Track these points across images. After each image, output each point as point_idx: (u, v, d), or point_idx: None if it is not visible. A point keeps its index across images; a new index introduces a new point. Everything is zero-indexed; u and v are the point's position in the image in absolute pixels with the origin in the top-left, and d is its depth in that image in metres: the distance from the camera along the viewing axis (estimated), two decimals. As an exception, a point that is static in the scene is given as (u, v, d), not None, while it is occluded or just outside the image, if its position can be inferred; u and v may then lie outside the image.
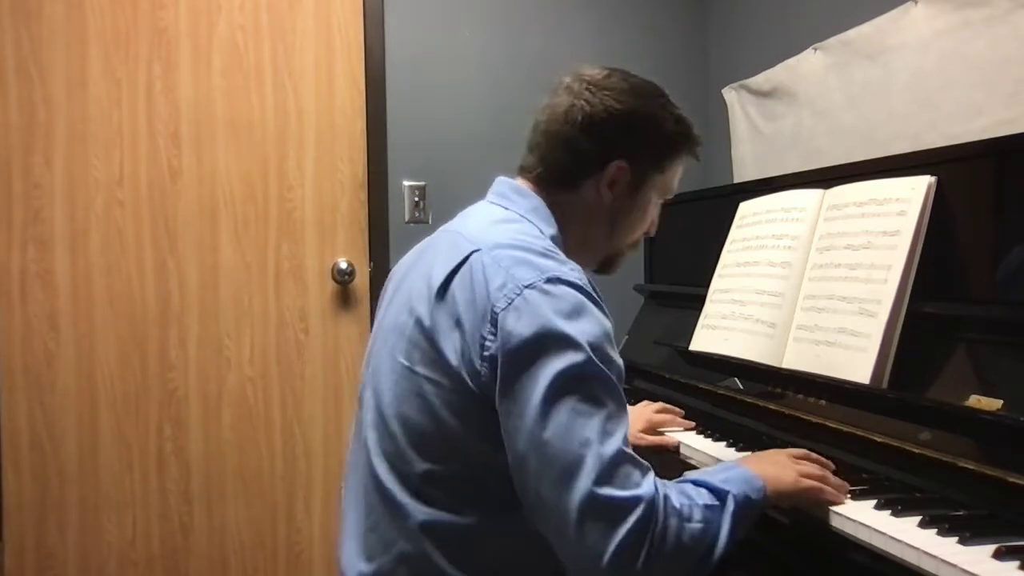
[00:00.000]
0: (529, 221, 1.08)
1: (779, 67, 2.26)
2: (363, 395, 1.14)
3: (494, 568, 1.01)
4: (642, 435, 1.47)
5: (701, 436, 1.44)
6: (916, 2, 1.77)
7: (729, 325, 1.56)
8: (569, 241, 1.11)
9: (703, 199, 2.06)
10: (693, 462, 1.37)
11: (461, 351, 0.96)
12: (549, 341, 0.92)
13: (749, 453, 1.25)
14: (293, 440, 2.36)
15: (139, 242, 2.23)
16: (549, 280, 0.95)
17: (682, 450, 1.41)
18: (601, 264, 1.21)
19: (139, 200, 2.23)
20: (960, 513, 0.97)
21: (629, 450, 0.93)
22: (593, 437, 0.90)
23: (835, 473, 1.09)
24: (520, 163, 1.16)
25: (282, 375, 2.35)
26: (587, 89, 1.11)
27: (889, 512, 0.98)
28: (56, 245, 2.18)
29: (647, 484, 0.91)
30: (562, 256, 1.03)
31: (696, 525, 0.93)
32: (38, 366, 2.17)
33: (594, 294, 1.00)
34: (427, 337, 1.00)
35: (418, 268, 1.09)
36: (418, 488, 1.01)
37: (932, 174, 1.22)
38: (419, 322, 1.02)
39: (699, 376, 1.64)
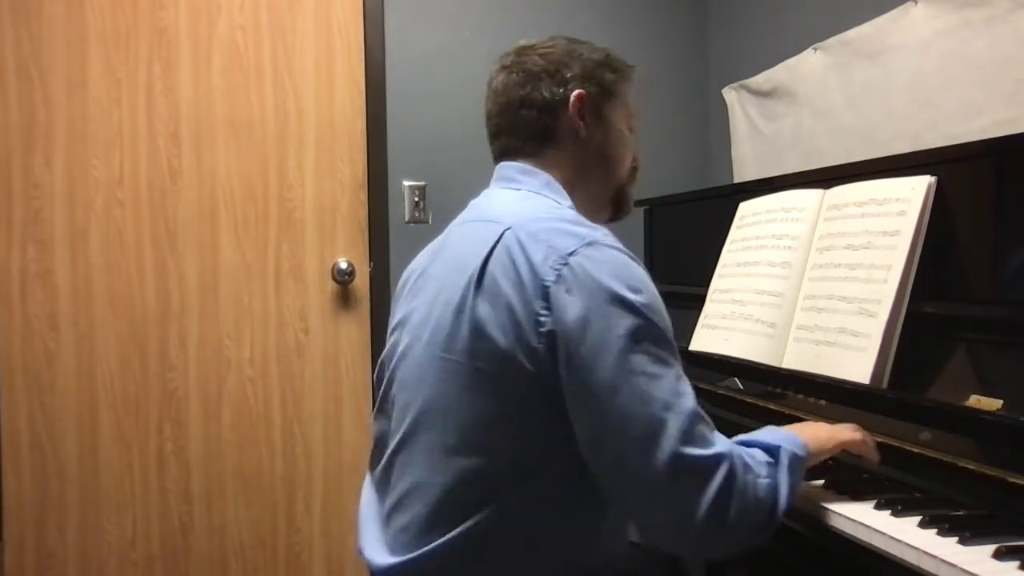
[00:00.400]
0: (545, 196, 1.09)
1: (779, 67, 2.26)
2: (393, 390, 1.11)
3: (523, 570, 1.00)
4: None
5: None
6: (916, 2, 1.77)
7: (729, 325, 1.56)
8: (577, 198, 1.12)
9: (703, 199, 2.06)
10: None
11: (514, 332, 0.95)
12: (607, 309, 0.92)
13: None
14: (293, 440, 2.36)
15: (139, 242, 2.23)
16: (589, 244, 0.96)
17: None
18: (614, 207, 1.21)
19: (139, 200, 2.23)
20: (960, 513, 0.97)
21: (700, 409, 0.94)
22: (669, 399, 0.91)
23: (833, 472, 1.09)
24: (496, 155, 1.18)
25: (282, 375, 2.35)
26: (515, 55, 1.16)
27: (889, 512, 0.98)
28: (56, 245, 2.18)
29: (722, 441, 0.93)
30: (590, 222, 1.03)
31: (765, 479, 0.95)
32: (38, 366, 2.17)
33: (629, 253, 1.00)
34: (471, 325, 0.98)
35: (442, 262, 1.09)
36: (458, 483, 0.99)
37: (932, 174, 1.22)
38: (459, 312, 1.00)
39: (699, 376, 1.63)
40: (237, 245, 2.30)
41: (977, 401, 1.04)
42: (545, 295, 0.93)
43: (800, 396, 1.35)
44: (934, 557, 0.85)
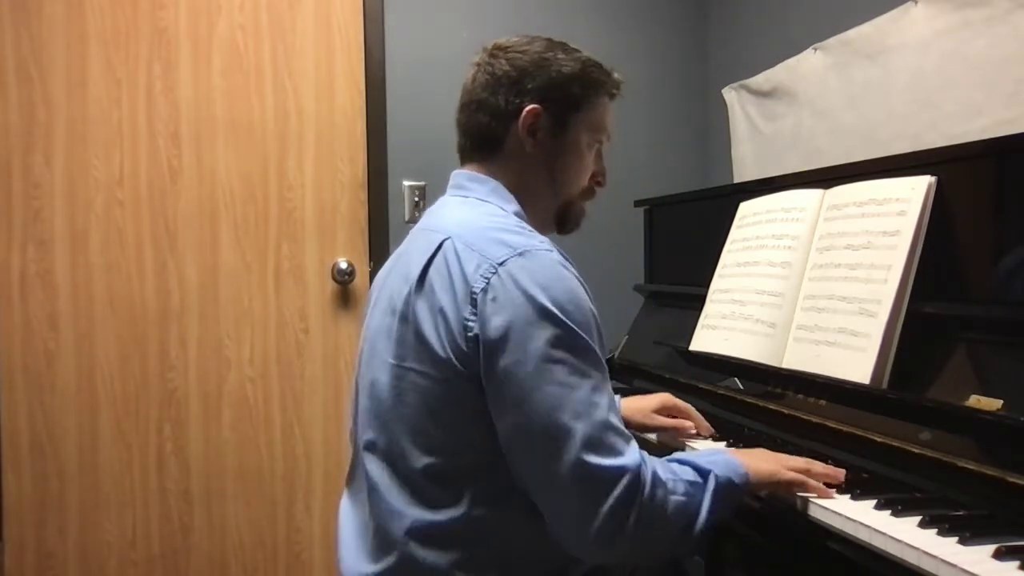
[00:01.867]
0: (490, 203, 1.10)
1: (779, 67, 2.26)
2: (358, 401, 1.14)
3: (495, 566, 1.02)
4: (655, 415, 1.45)
5: (701, 436, 1.44)
6: (916, 2, 1.77)
7: (729, 325, 1.56)
8: (525, 207, 1.13)
9: (703, 199, 2.06)
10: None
11: (446, 337, 0.98)
12: (528, 319, 0.94)
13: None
14: (293, 440, 2.36)
15: (139, 242, 2.23)
16: (521, 254, 0.98)
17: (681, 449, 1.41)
18: (558, 220, 1.20)
19: (139, 200, 2.23)
20: (960, 513, 0.97)
21: (614, 419, 0.95)
22: (580, 408, 0.93)
23: (846, 478, 1.09)
24: (457, 150, 1.19)
25: (282, 375, 2.35)
26: (489, 55, 1.15)
27: (889, 512, 0.98)
28: (56, 245, 2.18)
29: (631, 453, 0.95)
30: (531, 231, 1.05)
31: (679, 498, 0.96)
32: (38, 366, 2.17)
33: (566, 263, 1.02)
34: (412, 330, 1.02)
35: (396, 270, 1.12)
36: (419, 486, 1.02)
37: (932, 174, 1.22)
38: (403, 318, 1.03)
39: (699, 376, 1.64)
40: (237, 245, 2.30)
41: (977, 401, 1.04)
42: (473, 301, 0.96)
43: (800, 396, 1.35)
44: (934, 557, 0.85)
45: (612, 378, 2.02)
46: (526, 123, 1.11)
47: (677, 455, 1.05)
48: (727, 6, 2.64)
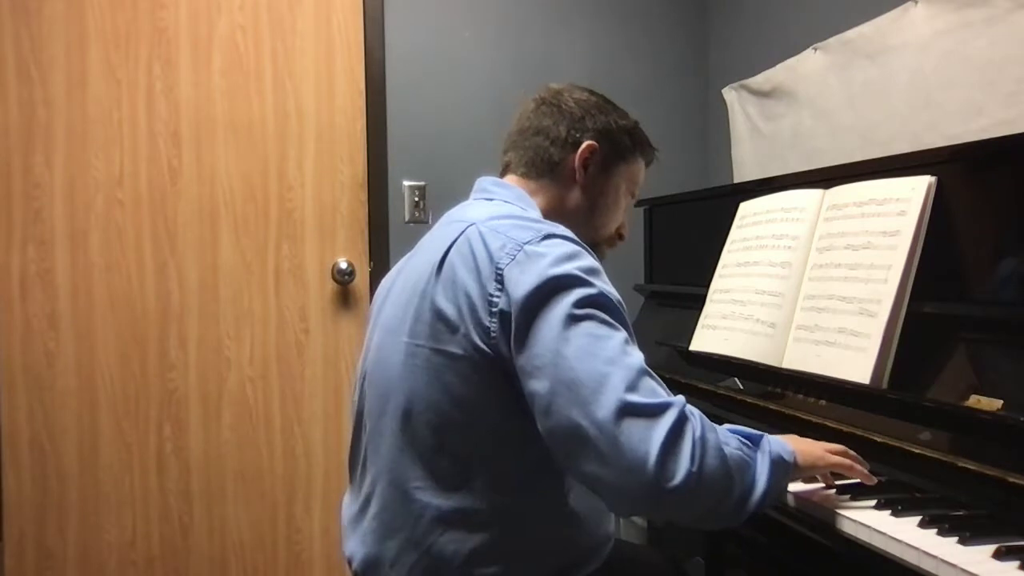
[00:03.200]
0: (514, 205, 1.15)
1: (779, 67, 2.26)
2: (364, 387, 1.15)
3: (506, 554, 1.02)
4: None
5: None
6: (916, 2, 1.77)
7: (729, 325, 1.56)
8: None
9: (703, 199, 2.06)
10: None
11: (469, 315, 0.99)
12: (556, 282, 0.95)
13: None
14: (293, 440, 2.36)
15: (139, 242, 2.23)
16: (546, 237, 1.00)
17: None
18: None
19: (139, 200, 2.23)
20: (960, 513, 0.97)
21: (648, 369, 0.95)
22: (614, 355, 0.92)
23: (847, 478, 1.09)
24: (501, 167, 1.25)
25: (282, 375, 2.35)
26: (554, 95, 1.23)
27: (889, 512, 0.98)
28: (56, 245, 2.18)
29: (672, 395, 0.93)
30: (553, 222, 1.08)
31: (736, 452, 0.94)
32: (38, 366, 2.17)
33: (587, 248, 1.03)
34: (432, 310, 1.02)
35: (412, 265, 1.13)
36: (432, 469, 1.02)
37: (932, 174, 1.22)
38: (423, 298, 1.04)
39: (699, 376, 1.64)
40: (237, 245, 2.30)
41: (977, 401, 1.04)
42: (499, 277, 0.97)
43: (800, 396, 1.35)
44: (934, 557, 0.85)
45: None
46: (583, 155, 1.18)
47: (729, 426, 1.02)
48: (727, 6, 2.64)
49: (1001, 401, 1.01)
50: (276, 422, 2.34)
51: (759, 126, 2.39)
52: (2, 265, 2.14)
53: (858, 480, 1.06)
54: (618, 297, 1.00)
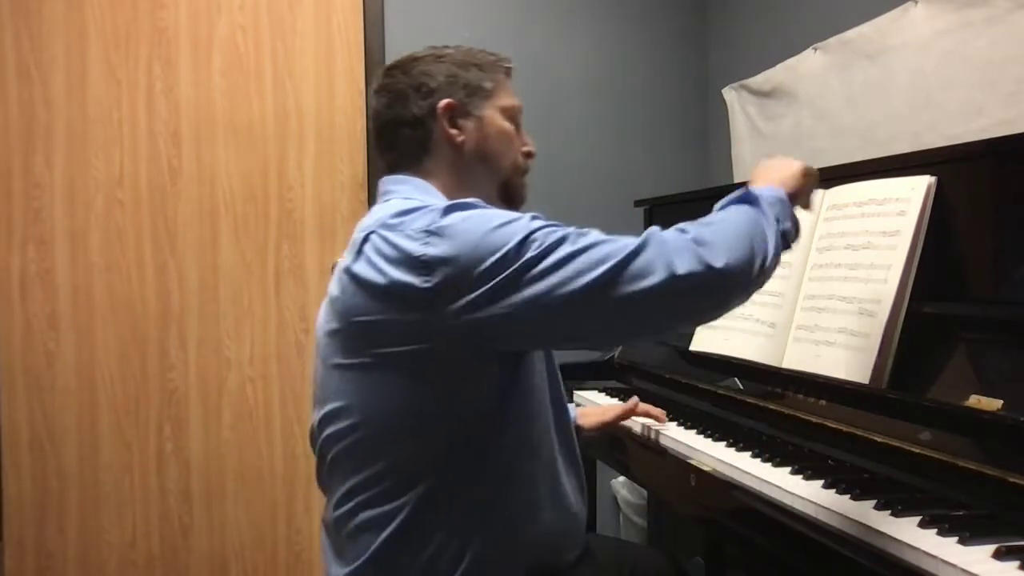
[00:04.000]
0: (412, 198, 1.11)
1: (779, 67, 2.26)
2: (317, 418, 1.14)
3: (465, 555, 1.02)
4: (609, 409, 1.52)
5: (701, 436, 1.44)
6: (916, 2, 1.77)
7: (729, 325, 1.56)
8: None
9: (703, 199, 2.05)
10: (693, 462, 1.37)
11: (395, 319, 0.98)
12: (489, 249, 0.94)
13: (747, 454, 1.25)
14: (293, 440, 2.36)
15: (139, 242, 2.23)
16: (444, 212, 0.98)
17: (681, 450, 1.41)
18: (505, 201, 1.20)
19: (139, 200, 2.23)
20: (960, 513, 0.97)
21: (601, 236, 0.98)
22: (593, 259, 0.94)
23: (833, 472, 1.09)
24: (384, 171, 1.21)
25: (282, 375, 2.35)
26: (384, 77, 1.18)
27: (889, 512, 0.98)
28: (56, 245, 2.18)
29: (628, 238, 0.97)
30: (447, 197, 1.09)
31: (725, 214, 1.03)
32: (38, 366, 2.17)
33: (489, 205, 1.03)
34: (356, 325, 1.02)
35: (331, 288, 1.13)
36: (379, 483, 1.02)
37: (932, 174, 1.21)
38: (345, 316, 1.04)
39: (699, 376, 1.64)
40: (237, 245, 2.30)
41: (977, 401, 1.04)
42: (415, 264, 0.95)
43: (800, 396, 1.35)
44: (934, 557, 0.85)
45: (612, 378, 2.02)
46: (444, 118, 1.13)
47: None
48: (727, 6, 2.64)
49: (1001, 401, 1.01)
50: (276, 422, 2.34)
51: (759, 126, 2.39)
52: (2, 265, 2.14)
53: (856, 480, 1.06)
54: (532, 218, 1.00)
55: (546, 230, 0.96)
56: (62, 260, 2.18)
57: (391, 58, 2.58)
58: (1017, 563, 0.82)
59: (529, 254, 0.93)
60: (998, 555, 0.83)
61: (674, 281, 0.92)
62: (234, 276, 2.30)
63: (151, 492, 2.25)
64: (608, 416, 1.51)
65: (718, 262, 0.94)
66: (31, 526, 2.17)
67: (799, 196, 1.12)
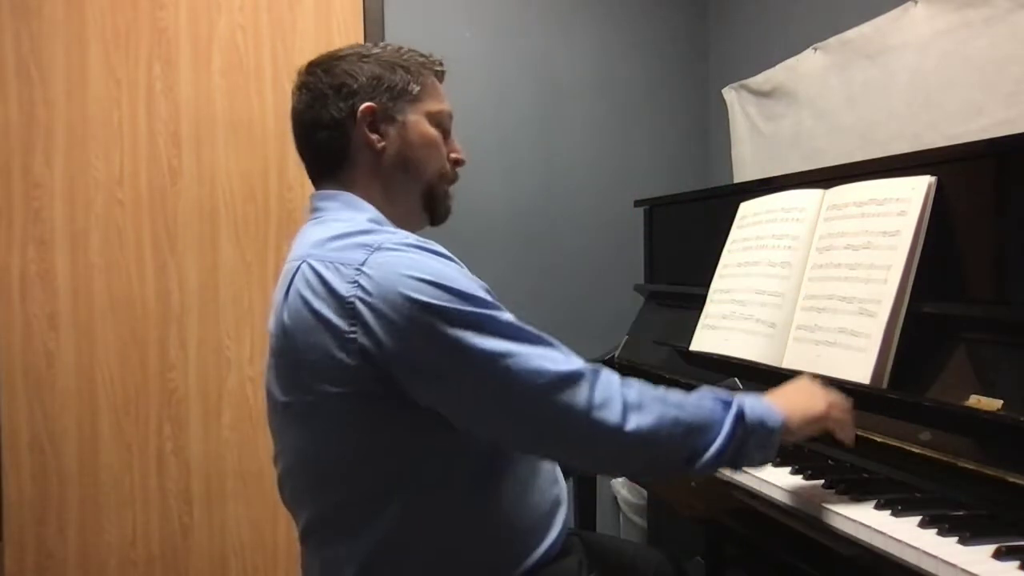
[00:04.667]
0: (341, 217, 1.07)
1: (779, 67, 2.26)
2: (274, 451, 1.15)
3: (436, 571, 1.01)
4: None
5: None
6: (916, 2, 1.77)
7: (729, 325, 1.56)
8: (387, 210, 1.10)
9: (703, 199, 2.06)
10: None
11: (326, 360, 0.94)
12: (412, 308, 0.91)
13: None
14: (293, 440, 2.36)
15: (139, 242, 2.23)
16: (378, 250, 0.95)
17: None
18: (427, 211, 1.17)
19: (139, 200, 2.23)
20: (960, 513, 0.97)
21: (541, 349, 0.94)
22: (508, 350, 0.92)
23: (834, 472, 1.09)
24: (311, 178, 1.17)
25: (282, 375, 2.34)
26: (305, 75, 1.12)
27: (889, 512, 0.98)
28: (56, 245, 2.18)
29: (576, 358, 0.96)
30: (386, 225, 1.05)
31: (682, 412, 0.96)
32: (38, 366, 2.17)
33: (425, 244, 0.99)
34: (293, 363, 0.99)
35: (272, 314, 1.11)
36: (343, 519, 1.01)
37: (932, 174, 1.22)
38: (281, 354, 1.02)
39: (699, 376, 1.64)
40: (237, 245, 2.30)
41: (977, 401, 1.04)
42: (350, 312, 0.93)
43: (800, 396, 1.35)
44: (934, 557, 0.85)
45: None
46: (364, 122, 1.08)
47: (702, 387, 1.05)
48: (727, 6, 2.64)
49: (1001, 401, 1.01)
50: (276, 422, 2.34)
51: (759, 126, 2.39)
52: (2, 265, 2.14)
53: (856, 480, 1.06)
54: (469, 284, 0.96)
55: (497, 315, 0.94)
56: (62, 260, 2.18)
57: (391, 58, 2.58)
58: (1017, 563, 0.82)
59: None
60: (998, 555, 0.83)
61: (585, 415, 0.92)
62: (234, 276, 2.30)
63: (151, 492, 2.25)
64: None
65: (629, 424, 0.93)
66: (31, 526, 2.17)
67: (812, 424, 1.05)
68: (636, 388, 0.96)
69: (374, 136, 1.09)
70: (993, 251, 1.16)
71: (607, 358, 2.03)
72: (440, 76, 1.16)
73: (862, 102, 1.95)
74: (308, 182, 2.51)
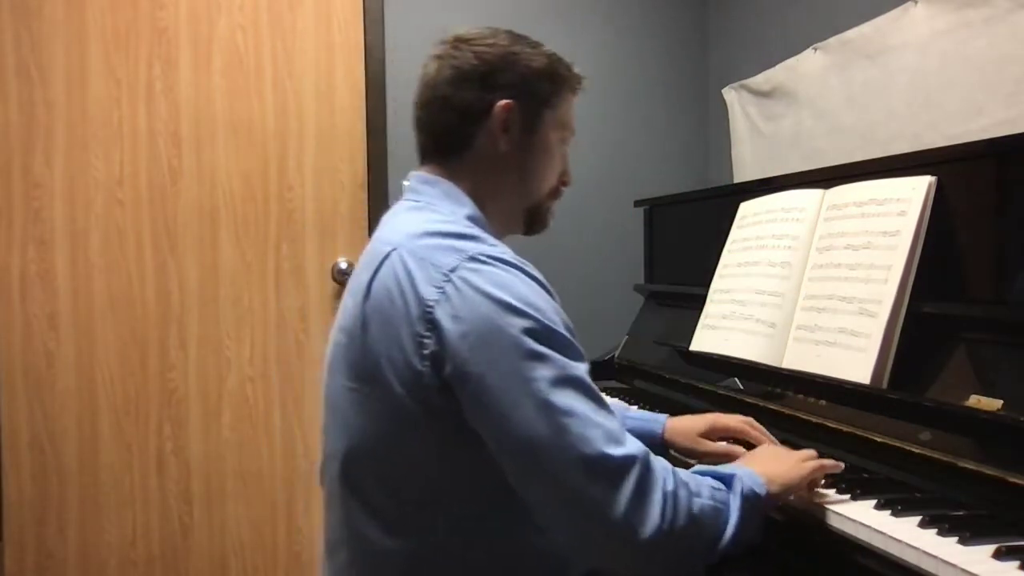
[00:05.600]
0: (440, 208, 1.04)
1: (779, 67, 2.26)
2: (322, 427, 1.10)
3: None
4: (703, 440, 1.30)
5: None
6: (916, 2, 1.77)
7: (729, 325, 1.56)
8: (488, 208, 1.07)
9: (703, 199, 2.06)
10: (693, 462, 1.36)
11: (397, 357, 0.92)
12: (494, 323, 0.88)
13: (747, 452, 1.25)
14: (293, 440, 2.36)
15: (139, 242, 2.23)
16: (471, 259, 0.92)
17: (681, 450, 1.41)
18: (527, 222, 1.15)
19: (139, 200, 2.23)
20: (960, 513, 0.97)
21: (603, 417, 0.89)
22: (566, 408, 0.87)
23: (846, 478, 1.09)
24: (417, 149, 1.13)
25: (282, 375, 2.35)
26: (451, 46, 1.10)
27: (889, 512, 0.98)
28: (56, 245, 2.18)
29: (633, 442, 0.89)
30: (480, 233, 0.99)
31: (705, 501, 0.91)
32: (38, 366, 2.17)
33: (524, 266, 0.96)
34: (363, 353, 0.96)
35: (349, 294, 1.05)
36: (389, 518, 0.98)
37: (932, 174, 1.21)
38: (353, 338, 0.98)
39: (699, 376, 1.64)
40: (237, 245, 2.30)
41: (977, 401, 1.04)
42: (428, 317, 0.90)
43: (800, 396, 1.35)
44: (934, 557, 0.85)
45: (612, 378, 2.02)
46: (500, 120, 1.05)
47: (696, 467, 1.01)
48: (727, 6, 2.64)
49: (1001, 401, 1.01)
50: (276, 422, 2.34)
51: (759, 126, 2.39)
52: (2, 265, 2.14)
53: (856, 480, 1.06)
54: (557, 320, 0.92)
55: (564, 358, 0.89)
56: (62, 260, 2.18)
57: (391, 58, 2.59)
58: (1017, 563, 0.82)
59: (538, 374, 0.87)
60: (998, 555, 0.83)
61: (618, 513, 0.85)
62: (234, 276, 2.30)
63: (151, 492, 2.25)
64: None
65: (658, 535, 0.86)
66: (31, 526, 2.17)
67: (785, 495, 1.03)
68: (679, 487, 0.90)
69: (503, 136, 1.05)
70: (993, 251, 1.16)
71: (607, 358, 2.03)
72: (576, 93, 1.13)
73: (862, 102, 1.95)
74: (308, 182, 2.52)
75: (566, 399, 0.87)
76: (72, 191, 2.19)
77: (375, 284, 0.96)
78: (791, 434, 1.32)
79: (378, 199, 2.41)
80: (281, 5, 2.32)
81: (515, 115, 1.06)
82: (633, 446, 0.89)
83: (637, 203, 2.24)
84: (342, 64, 2.37)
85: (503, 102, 1.05)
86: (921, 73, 1.76)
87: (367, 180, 2.40)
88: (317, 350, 2.37)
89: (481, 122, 1.05)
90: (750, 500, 0.95)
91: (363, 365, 0.96)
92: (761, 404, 1.42)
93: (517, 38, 1.12)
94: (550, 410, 0.87)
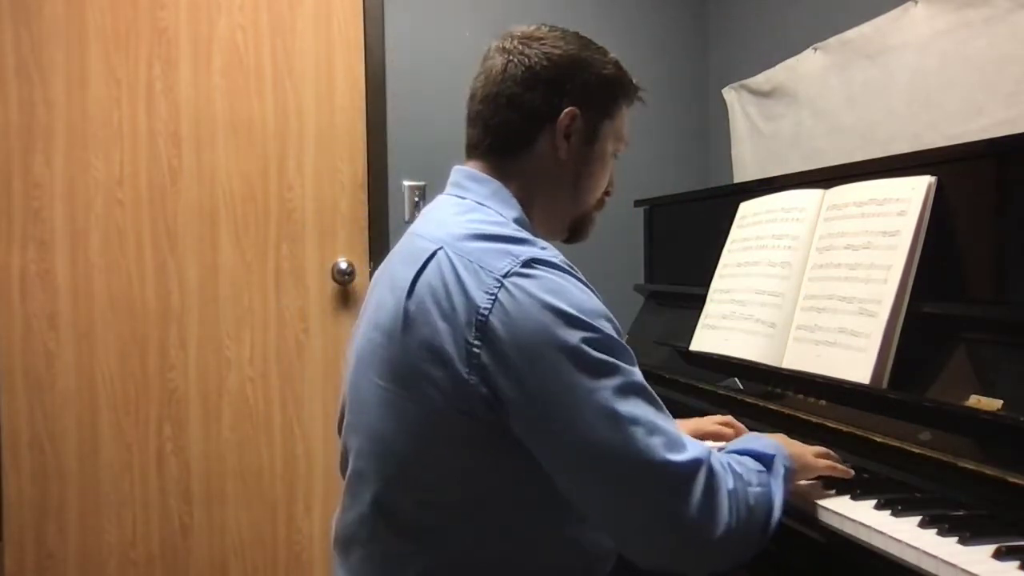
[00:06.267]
0: (488, 207, 1.01)
1: (779, 67, 2.26)
2: (345, 421, 1.06)
3: None
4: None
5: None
6: (916, 2, 1.77)
7: (729, 325, 1.56)
8: (534, 212, 1.05)
9: (703, 199, 2.06)
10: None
11: (440, 363, 0.88)
12: (549, 331, 0.86)
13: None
14: (293, 440, 2.36)
15: (139, 242, 2.23)
16: (525, 264, 0.89)
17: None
18: (571, 230, 1.13)
19: (139, 200, 2.23)
20: (960, 513, 0.97)
21: (662, 420, 0.89)
22: (629, 415, 0.86)
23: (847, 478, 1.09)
24: (466, 142, 1.09)
25: (282, 375, 2.35)
26: (521, 43, 1.07)
27: (889, 512, 0.98)
28: (56, 245, 2.18)
29: (695, 445, 0.89)
30: (530, 236, 0.97)
31: (756, 488, 0.93)
32: (38, 366, 2.17)
33: (573, 270, 0.94)
34: (403, 352, 0.92)
35: (383, 278, 1.03)
36: (410, 521, 0.95)
37: (932, 174, 1.22)
38: (391, 338, 0.93)
39: (699, 376, 1.64)
40: (237, 245, 2.30)
41: (977, 401, 1.04)
42: (479, 324, 0.87)
43: (800, 396, 1.35)
44: (934, 557, 0.85)
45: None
46: (563, 126, 1.03)
47: (731, 444, 1.02)
48: (727, 6, 2.64)
49: (1001, 401, 1.01)
50: (276, 422, 2.34)
51: (759, 126, 2.39)
52: (2, 265, 2.14)
53: (856, 480, 1.06)
54: (611, 327, 0.91)
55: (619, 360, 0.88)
56: (62, 260, 2.18)
57: (391, 58, 2.59)
58: (1017, 563, 0.82)
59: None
60: (998, 555, 0.83)
61: (688, 515, 0.85)
62: (234, 276, 2.30)
63: (151, 492, 2.25)
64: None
65: (725, 531, 0.87)
66: (31, 526, 2.17)
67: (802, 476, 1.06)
68: (736, 480, 0.91)
69: (564, 143, 1.04)
70: (993, 251, 1.16)
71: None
72: (632, 104, 1.13)
73: (862, 102, 1.95)
74: (308, 182, 2.52)
75: (630, 407, 0.86)
76: (72, 191, 2.19)
77: (419, 283, 0.92)
78: (791, 434, 1.32)
79: (378, 199, 2.41)
80: (281, 5, 2.32)
81: (579, 123, 1.04)
82: (696, 448, 0.89)
83: (637, 203, 2.24)
84: (342, 64, 2.37)
85: (569, 109, 1.03)
86: (921, 73, 1.76)
87: (367, 180, 2.40)
88: (317, 350, 2.37)
89: (544, 126, 1.03)
90: (786, 478, 0.98)
91: (400, 366, 0.92)
92: (761, 404, 1.42)
93: (586, 42, 1.10)
94: (616, 419, 0.85)
